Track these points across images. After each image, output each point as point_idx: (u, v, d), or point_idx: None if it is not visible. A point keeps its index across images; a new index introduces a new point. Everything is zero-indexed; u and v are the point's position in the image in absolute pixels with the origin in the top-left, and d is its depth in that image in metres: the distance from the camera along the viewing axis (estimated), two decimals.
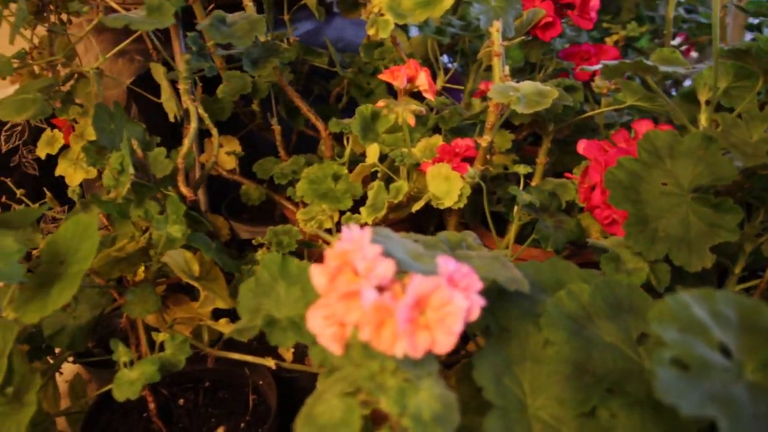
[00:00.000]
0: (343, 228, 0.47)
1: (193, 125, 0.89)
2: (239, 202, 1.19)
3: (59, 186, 1.19)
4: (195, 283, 0.81)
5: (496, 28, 0.84)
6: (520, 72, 1.04)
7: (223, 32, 0.84)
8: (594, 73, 1.01)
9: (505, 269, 0.53)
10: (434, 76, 1.10)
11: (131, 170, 0.84)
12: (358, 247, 0.45)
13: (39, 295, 0.68)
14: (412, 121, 0.84)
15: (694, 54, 1.56)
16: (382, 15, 1.04)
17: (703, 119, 0.69)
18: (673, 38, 1.21)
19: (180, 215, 0.84)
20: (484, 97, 1.08)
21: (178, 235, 0.81)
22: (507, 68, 0.84)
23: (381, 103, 0.85)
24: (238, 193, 1.18)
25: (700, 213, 0.61)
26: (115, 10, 0.92)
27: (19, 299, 0.69)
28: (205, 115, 0.95)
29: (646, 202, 0.63)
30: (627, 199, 0.63)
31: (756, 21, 1.21)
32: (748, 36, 1.33)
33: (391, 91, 1.17)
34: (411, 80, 0.84)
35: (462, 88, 1.11)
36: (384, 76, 0.86)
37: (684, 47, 1.50)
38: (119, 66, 1.43)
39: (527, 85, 0.78)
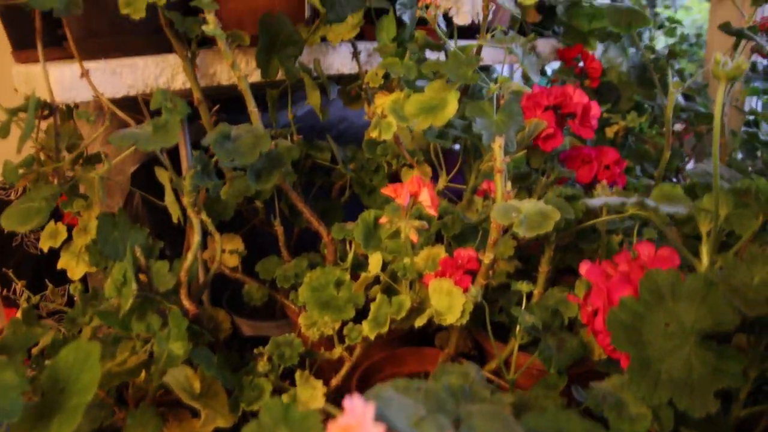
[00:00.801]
0: (346, 400, 0.47)
1: (197, 239, 0.89)
2: (241, 295, 1.19)
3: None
4: (196, 404, 0.80)
5: (498, 144, 0.85)
6: (521, 178, 1.05)
7: (228, 149, 0.84)
8: (596, 176, 1.01)
9: (508, 429, 0.53)
10: (436, 175, 1.11)
11: (134, 286, 0.84)
12: (361, 423, 0.45)
13: (38, 427, 0.68)
14: (414, 237, 0.85)
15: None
16: (384, 117, 1.05)
17: (704, 252, 0.69)
18: (672, 126, 1.22)
19: (182, 330, 0.84)
20: (486, 196, 1.09)
21: (180, 353, 0.81)
22: (509, 184, 0.85)
23: (384, 220, 0.86)
24: (240, 286, 1.18)
25: (703, 357, 0.61)
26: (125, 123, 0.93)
27: (17, 430, 0.69)
28: (208, 221, 0.96)
29: (648, 344, 0.62)
30: (629, 340, 0.62)
31: (752, 118, 1.23)
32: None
33: None
34: (414, 196, 0.85)
35: (463, 187, 1.11)
36: (387, 191, 0.87)
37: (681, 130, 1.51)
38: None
39: (529, 206, 0.79)
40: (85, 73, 0.95)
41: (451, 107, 0.93)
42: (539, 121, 0.90)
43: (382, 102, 1.06)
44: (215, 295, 1.24)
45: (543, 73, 1.42)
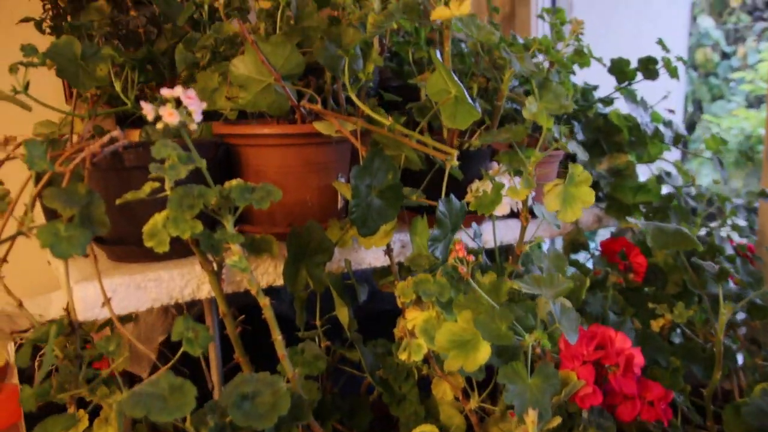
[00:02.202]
0: None
1: None
2: None
3: None
4: None
5: (531, 418, 0.79)
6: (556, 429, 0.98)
7: (245, 411, 0.80)
8: (639, 415, 0.95)
9: None
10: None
11: None
12: None
13: None
14: None
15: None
16: (415, 336, 1.01)
17: None
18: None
19: None
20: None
21: None
22: None
23: None
24: None
25: None
26: None
27: None
28: None
29: None
30: None
31: None
32: None
33: (424, 396, 1.12)
34: None
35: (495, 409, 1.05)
36: None
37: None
38: (153, 319, 1.42)
39: None
40: (107, 302, 0.93)
41: (484, 352, 0.88)
42: (576, 382, 0.85)
43: (413, 318, 1.02)
44: None
45: (585, 246, 1.36)
